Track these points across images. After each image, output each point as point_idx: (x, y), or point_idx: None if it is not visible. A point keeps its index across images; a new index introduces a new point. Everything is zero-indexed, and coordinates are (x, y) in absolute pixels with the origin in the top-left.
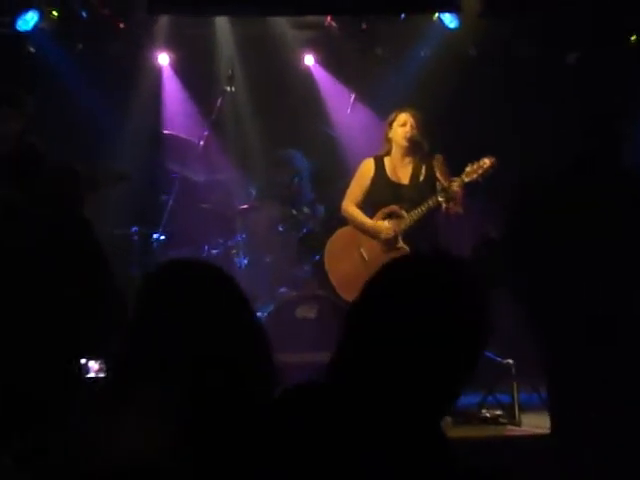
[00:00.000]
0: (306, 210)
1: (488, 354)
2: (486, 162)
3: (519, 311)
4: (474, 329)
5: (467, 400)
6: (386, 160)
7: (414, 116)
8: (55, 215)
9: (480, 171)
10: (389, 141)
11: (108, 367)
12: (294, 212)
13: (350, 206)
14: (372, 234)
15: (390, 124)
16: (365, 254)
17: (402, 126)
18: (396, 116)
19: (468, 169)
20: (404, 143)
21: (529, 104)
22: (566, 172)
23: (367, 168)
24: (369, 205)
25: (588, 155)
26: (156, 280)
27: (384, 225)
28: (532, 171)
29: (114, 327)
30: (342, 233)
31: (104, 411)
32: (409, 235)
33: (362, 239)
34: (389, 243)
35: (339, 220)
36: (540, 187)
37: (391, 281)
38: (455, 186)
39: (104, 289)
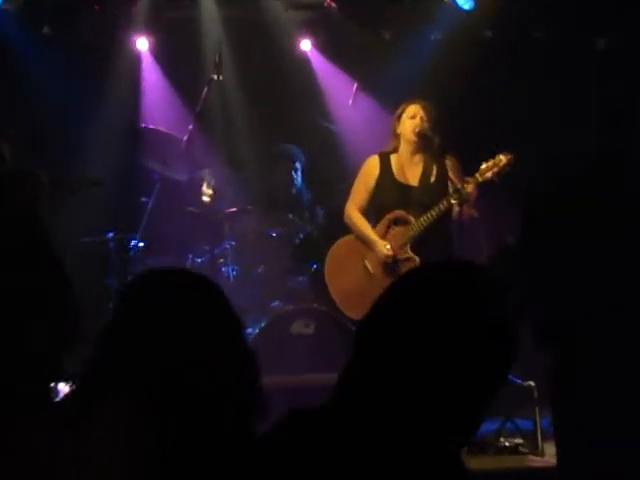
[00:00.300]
0: (305, 214)
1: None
2: (502, 159)
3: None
4: (498, 348)
5: (484, 427)
6: (393, 158)
7: (424, 108)
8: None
9: (496, 169)
10: (397, 137)
11: (74, 382)
12: (291, 216)
13: (353, 212)
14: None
15: (398, 117)
16: (370, 266)
17: (411, 119)
18: (404, 108)
19: (483, 167)
20: (413, 138)
21: (550, 92)
22: (589, 172)
23: (371, 166)
24: (373, 209)
25: (611, 152)
26: (133, 292)
27: (382, 245)
28: (552, 168)
29: (62, 341)
30: (345, 242)
31: (68, 428)
32: (418, 244)
33: (367, 249)
34: (395, 254)
35: (340, 225)
36: (559, 192)
37: (405, 296)
38: (469, 187)
39: (49, 293)
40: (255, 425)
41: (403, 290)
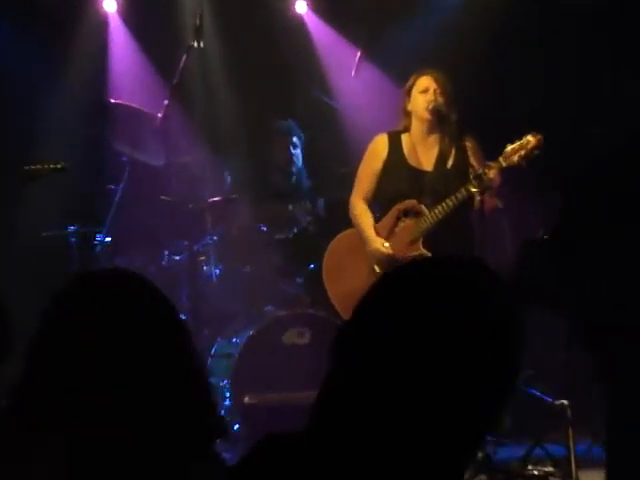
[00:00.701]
0: (306, 204)
1: (536, 393)
2: (530, 140)
3: (575, 336)
4: (502, 350)
5: (509, 452)
6: (404, 138)
7: (437, 80)
8: None
9: (523, 152)
10: (407, 114)
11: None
12: (291, 207)
13: (358, 204)
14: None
15: (407, 92)
16: (377, 265)
17: (423, 93)
18: (415, 81)
19: (508, 150)
20: (426, 116)
21: (585, 61)
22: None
23: (379, 147)
24: (380, 198)
25: None
26: (62, 300)
27: (379, 242)
28: (588, 152)
29: None
30: (346, 236)
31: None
32: (432, 239)
33: None
34: (402, 253)
35: (342, 218)
36: (597, 178)
37: (395, 294)
38: (492, 173)
39: None
40: (215, 449)
41: (391, 289)
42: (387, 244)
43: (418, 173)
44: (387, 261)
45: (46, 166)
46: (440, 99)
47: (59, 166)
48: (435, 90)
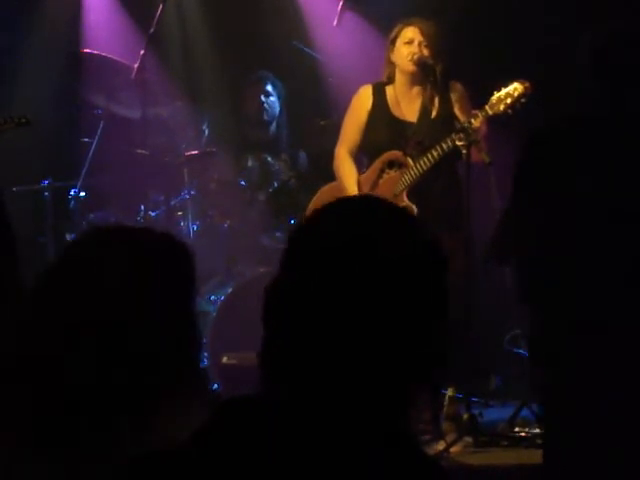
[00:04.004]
0: (284, 157)
1: (521, 351)
2: (517, 88)
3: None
4: (430, 272)
5: (496, 414)
6: (388, 90)
7: (423, 31)
8: None
9: (509, 100)
10: (391, 65)
11: None
12: (269, 159)
13: (344, 156)
14: None
15: (392, 42)
16: None
17: (407, 44)
18: (399, 31)
19: (494, 98)
20: (410, 67)
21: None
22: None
23: (363, 98)
24: (365, 148)
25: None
26: (77, 253)
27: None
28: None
29: None
30: (329, 190)
31: None
32: (417, 191)
33: None
34: None
35: (325, 172)
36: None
37: (315, 239)
38: (477, 121)
39: None
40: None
41: (309, 234)
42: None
43: (402, 124)
44: None
45: (9, 120)
46: (425, 51)
47: (23, 120)
48: (420, 42)
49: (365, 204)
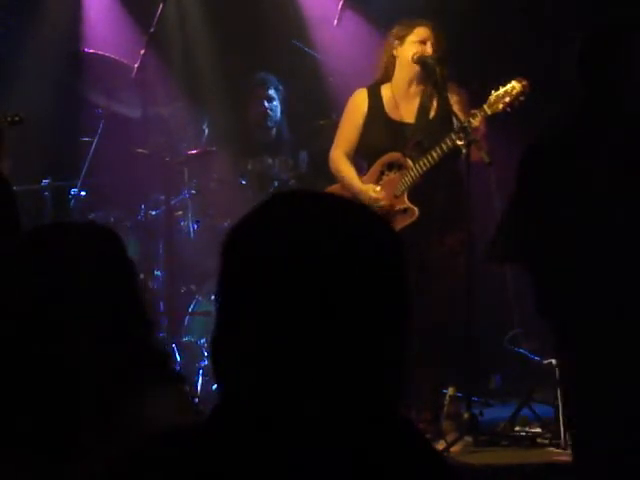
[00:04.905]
0: (286, 159)
1: (523, 351)
2: (515, 86)
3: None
4: (393, 266)
5: (496, 413)
6: (384, 89)
7: (437, 35)
8: None
9: (507, 99)
10: (392, 60)
11: None
12: (270, 161)
13: (339, 158)
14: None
15: (401, 38)
16: None
17: (420, 43)
18: (412, 29)
19: (492, 97)
20: (414, 65)
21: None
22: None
23: (358, 101)
24: (363, 153)
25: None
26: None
27: (371, 188)
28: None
29: None
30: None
31: None
32: (418, 192)
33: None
34: (390, 204)
35: (324, 174)
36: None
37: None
38: (476, 121)
39: None
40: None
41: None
42: (378, 188)
43: (400, 126)
44: (380, 209)
45: (2, 118)
46: (432, 52)
47: (16, 118)
48: (432, 43)
49: (304, 205)
